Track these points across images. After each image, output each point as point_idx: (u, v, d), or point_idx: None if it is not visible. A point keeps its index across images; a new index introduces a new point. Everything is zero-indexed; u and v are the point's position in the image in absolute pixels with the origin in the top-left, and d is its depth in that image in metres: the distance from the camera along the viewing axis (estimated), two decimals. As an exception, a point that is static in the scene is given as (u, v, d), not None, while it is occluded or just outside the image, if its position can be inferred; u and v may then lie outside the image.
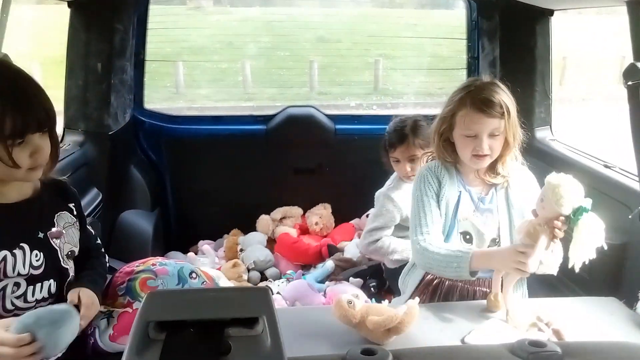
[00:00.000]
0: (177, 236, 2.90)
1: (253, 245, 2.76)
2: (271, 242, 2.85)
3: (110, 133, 2.44)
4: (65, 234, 1.34)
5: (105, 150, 2.40)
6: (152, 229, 2.57)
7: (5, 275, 1.21)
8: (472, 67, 2.84)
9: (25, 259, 1.23)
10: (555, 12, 2.42)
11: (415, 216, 1.65)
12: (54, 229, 1.31)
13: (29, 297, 1.25)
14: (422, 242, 1.58)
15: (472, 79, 1.69)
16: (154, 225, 2.61)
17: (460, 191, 1.64)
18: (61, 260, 1.30)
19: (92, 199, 2.28)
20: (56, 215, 1.33)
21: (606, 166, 2.03)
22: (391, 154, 2.23)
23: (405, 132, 2.18)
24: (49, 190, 1.35)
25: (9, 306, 1.22)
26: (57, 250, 1.29)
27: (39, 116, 1.19)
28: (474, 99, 1.54)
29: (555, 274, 1.48)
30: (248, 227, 2.91)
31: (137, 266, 1.53)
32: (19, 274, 1.22)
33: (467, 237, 1.65)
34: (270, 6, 8.80)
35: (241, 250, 2.77)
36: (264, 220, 2.92)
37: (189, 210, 2.97)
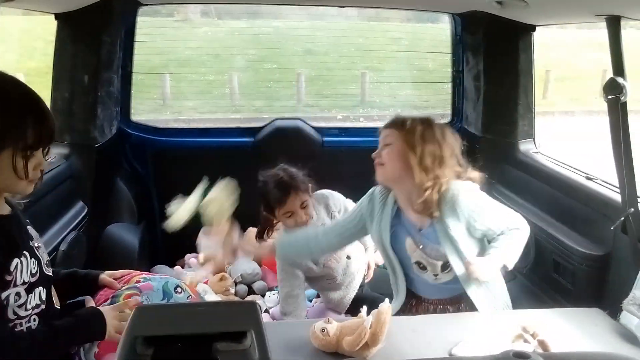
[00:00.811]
0: (164, 249, 2.88)
1: (240, 259, 2.74)
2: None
3: (96, 145, 2.42)
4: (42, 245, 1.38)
5: (91, 163, 2.38)
6: (138, 243, 2.54)
7: (15, 284, 1.21)
8: (457, 81, 2.88)
9: (28, 267, 1.25)
10: (537, 28, 2.47)
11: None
12: (35, 240, 1.34)
13: (28, 305, 1.26)
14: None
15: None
16: (140, 238, 2.58)
17: (396, 225, 1.71)
18: (44, 268, 1.32)
19: (77, 212, 2.26)
20: (29, 228, 1.36)
21: (588, 178, 2.07)
22: (282, 210, 2.14)
23: (286, 181, 2.16)
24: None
25: (10, 316, 1.22)
26: (41, 258, 1.31)
27: (51, 131, 1.23)
28: None
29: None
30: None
31: (122, 286, 1.52)
32: (23, 282, 1.23)
33: (420, 266, 1.72)
34: (258, 19, 8.84)
35: (228, 263, 2.75)
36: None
37: (175, 223, 2.94)
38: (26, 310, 1.25)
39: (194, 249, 2.87)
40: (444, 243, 1.63)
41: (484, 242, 1.70)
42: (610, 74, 1.71)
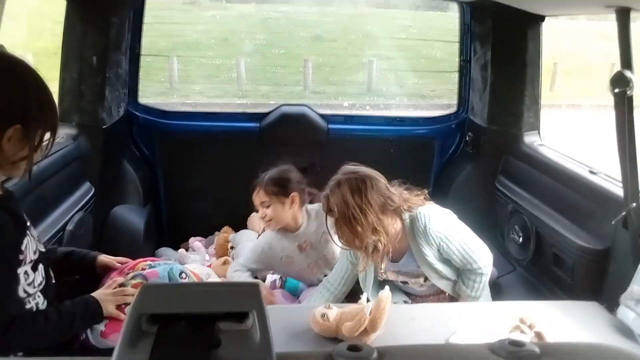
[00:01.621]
0: (169, 232, 2.91)
1: (243, 243, 2.77)
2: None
3: (104, 127, 2.44)
4: None
5: (98, 144, 2.40)
6: (144, 225, 2.57)
7: (25, 263, 1.24)
8: (464, 70, 2.87)
9: (32, 245, 1.28)
10: (546, 18, 2.45)
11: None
12: (28, 221, 1.35)
13: (35, 283, 1.29)
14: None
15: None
16: (145, 220, 2.61)
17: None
18: (38, 245, 1.35)
19: (84, 192, 2.28)
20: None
21: (591, 172, 2.07)
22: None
23: (264, 176, 2.32)
24: None
25: (21, 294, 1.24)
26: (34, 236, 1.34)
27: (56, 118, 1.25)
28: None
29: None
30: (239, 224, 2.92)
31: (127, 272, 1.55)
32: (30, 261, 1.26)
33: (405, 283, 1.91)
34: (267, 3, 8.78)
35: (232, 247, 2.78)
36: (254, 218, 2.93)
37: (180, 207, 2.97)
38: (34, 287, 1.28)
39: (197, 233, 2.91)
40: (423, 267, 1.78)
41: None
42: (618, 67, 1.71)
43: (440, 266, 1.78)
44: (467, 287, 1.80)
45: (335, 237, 1.82)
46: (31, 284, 1.27)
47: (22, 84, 1.17)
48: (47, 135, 1.24)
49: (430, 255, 1.76)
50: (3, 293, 1.18)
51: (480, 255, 1.78)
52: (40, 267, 1.32)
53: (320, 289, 1.97)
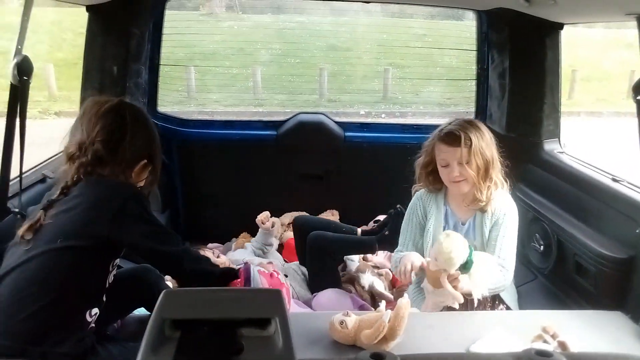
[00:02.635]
0: (187, 238, 2.92)
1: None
2: (279, 248, 2.86)
3: (123, 135, 2.47)
4: None
5: (118, 152, 2.43)
6: (162, 231, 2.59)
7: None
8: (482, 78, 2.86)
9: None
10: (565, 26, 2.43)
11: (400, 234, 2.01)
12: None
13: (115, 271, 1.49)
14: (395, 253, 1.97)
15: (451, 119, 1.93)
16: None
17: (445, 223, 1.92)
18: None
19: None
20: None
21: (614, 180, 2.03)
22: None
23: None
24: None
25: (110, 281, 1.46)
26: None
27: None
28: (442, 133, 1.85)
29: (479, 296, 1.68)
30: (256, 231, 2.93)
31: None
32: None
33: None
34: (282, 14, 8.86)
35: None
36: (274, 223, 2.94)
37: (198, 213, 2.99)
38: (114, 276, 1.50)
39: (215, 239, 2.92)
40: (477, 236, 1.87)
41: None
42: (638, 74, 1.68)
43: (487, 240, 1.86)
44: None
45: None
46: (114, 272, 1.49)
47: (148, 129, 1.53)
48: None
49: (486, 228, 1.85)
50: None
51: (512, 260, 1.85)
52: None
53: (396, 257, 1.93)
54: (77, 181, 1.42)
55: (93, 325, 1.41)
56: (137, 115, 1.52)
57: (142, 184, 1.54)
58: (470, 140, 1.79)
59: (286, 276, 2.31)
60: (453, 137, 1.81)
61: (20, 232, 1.38)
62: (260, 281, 1.66)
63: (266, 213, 2.69)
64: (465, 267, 1.63)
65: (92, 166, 1.42)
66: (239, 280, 1.60)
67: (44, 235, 1.36)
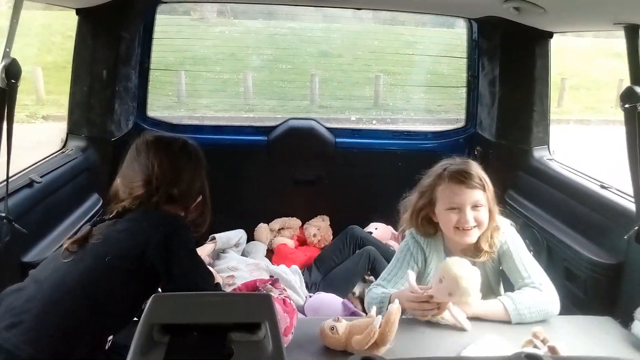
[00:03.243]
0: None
1: (252, 254, 2.76)
2: (269, 253, 2.85)
3: (112, 139, 2.45)
4: None
5: (107, 156, 2.42)
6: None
7: None
8: (472, 86, 2.88)
9: None
10: (554, 34, 2.46)
11: (386, 269, 1.75)
12: None
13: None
14: (373, 287, 1.71)
15: (446, 160, 1.72)
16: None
17: None
18: None
19: (92, 204, 2.29)
20: None
21: (603, 187, 2.05)
22: None
23: None
24: None
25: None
26: None
27: None
28: (452, 172, 1.61)
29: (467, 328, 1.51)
30: (247, 236, 2.92)
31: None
32: None
33: None
34: (273, 20, 8.87)
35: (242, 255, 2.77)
36: (262, 229, 2.93)
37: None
38: None
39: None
40: (483, 277, 1.57)
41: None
42: (626, 83, 1.71)
43: (493, 279, 1.68)
44: (513, 296, 1.57)
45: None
46: None
47: (204, 167, 1.59)
48: None
49: (493, 265, 1.67)
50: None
51: (542, 275, 1.62)
52: None
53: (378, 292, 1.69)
54: (135, 208, 1.44)
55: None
56: (199, 155, 1.58)
57: (194, 216, 1.57)
58: (482, 179, 1.59)
59: (271, 276, 2.32)
60: (467, 176, 1.58)
61: (66, 244, 1.39)
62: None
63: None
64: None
65: (159, 204, 1.45)
66: None
67: (91, 250, 1.37)
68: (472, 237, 1.60)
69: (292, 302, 1.51)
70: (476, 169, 1.62)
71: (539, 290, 1.56)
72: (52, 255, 1.44)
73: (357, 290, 2.45)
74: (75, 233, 2.05)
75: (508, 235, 1.66)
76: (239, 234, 2.80)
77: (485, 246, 1.62)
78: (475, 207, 1.57)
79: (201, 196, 1.57)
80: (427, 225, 1.67)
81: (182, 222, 1.45)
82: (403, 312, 1.49)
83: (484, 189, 1.58)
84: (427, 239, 1.70)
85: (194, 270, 1.42)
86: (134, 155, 1.52)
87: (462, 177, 1.58)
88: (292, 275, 2.46)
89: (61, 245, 1.43)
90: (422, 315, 1.51)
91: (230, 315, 0.74)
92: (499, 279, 1.72)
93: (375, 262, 2.50)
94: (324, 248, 2.90)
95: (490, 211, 1.59)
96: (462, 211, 1.57)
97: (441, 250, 1.69)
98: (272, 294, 1.53)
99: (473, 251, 1.64)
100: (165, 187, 1.46)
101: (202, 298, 0.78)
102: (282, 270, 2.48)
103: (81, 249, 1.38)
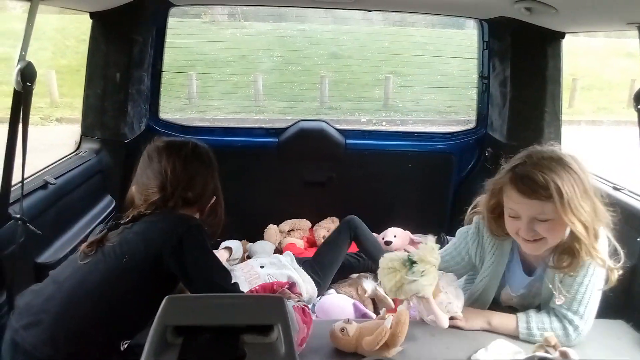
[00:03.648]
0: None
1: (259, 254, 2.77)
2: (277, 254, 2.85)
3: (125, 141, 2.48)
4: None
5: (120, 158, 2.44)
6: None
7: None
8: (483, 87, 2.87)
9: None
10: (566, 35, 2.44)
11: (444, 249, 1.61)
12: None
13: None
14: None
15: (526, 152, 1.44)
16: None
17: (507, 272, 1.53)
18: None
19: (105, 205, 2.31)
20: None
21: (615, 188, 2.03)
22: None
23: None
24: None
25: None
26: None
27: None
28: (516, 175, 1.36)
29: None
30: (256, 237, 2.93)
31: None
32: None
33: (510, 308, 1.60)
34: (284, 22, 8.90)
35: (248, 257, 2.78)
36: (271, 230, 2.94)
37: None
38: None
39: (215, 245, 2.90)
40: (546, 286, 1.47)
41: None
42: (639, 83, 1.69)
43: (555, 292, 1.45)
44: (536, 320, 1.45)
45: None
46: None
47: (216, 168, 1.60)
48: None
49: (560, 275, 1.43)
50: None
51: (588, 317, 1.45)
52: None
53: None
54: (151, 212, 1.46)
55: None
56: (210, 156, 1.60)
57: (209, 218, 1.60)
58: (560, 190, 1.29)
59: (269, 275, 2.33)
60: (530, 184, 1.31)
61: (82, 246, 1.42)
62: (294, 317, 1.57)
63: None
64: (411, 269, 1.39)
65: (175, 208, 1.47)
66: None
67: (108, 252, 1.38)
68: (537, 249, 1.40)
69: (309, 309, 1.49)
70: (550, 174, 1.31)
71: (567, 324, 1.45)
72: (71, 257, 1.46)
73: (368, 288, 2.43)
74: (89, 234, 2.08)
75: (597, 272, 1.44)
76: (240, 248, 2.80)
77: (565, 262, 1.40)
78: (538, 220, 1.34)
79: (215, 197, 1.59)
80: (499, 228, 1.46)
81: (195, 222, 1.45)
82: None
83: (555, 199, 1.29)
84: (494, 239, 1.51)
85: (211, 268, 1.43)
86: (147, 161, 1.53)
87: (523, 185, 1.33)
88: (287, 264, 2.44)
89: (77, 248, 1.44)
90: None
91: (242, 317, 0.75)
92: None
93: (357, 230, 2.53)
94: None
95: (583, 224, 1.32)
96: (520, 220, 1.36)
97: (507, 252, 1.50)
98: (291, 301, 1.52)
99: (558, 261, 1.42)
100: (180, 191, 1.47)
101: (215, 300, 0.78)
102: (275, 260, 2.46)
103: (98, 251, 1.39)
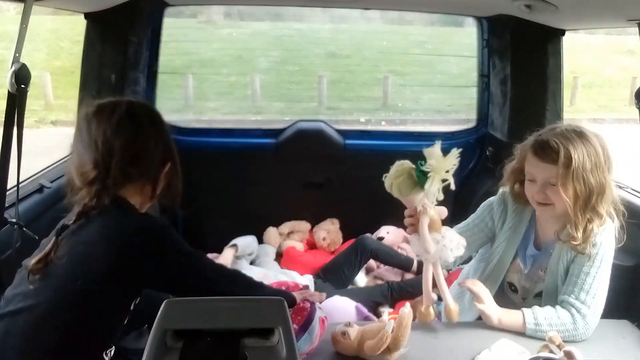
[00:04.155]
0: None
1: (261, 258, 2.76)
2: (278, 257, 2.84)
3: (122, 143, 2.45)
4: None
5: (116, 160, 2.42)
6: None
7: None
8: (483, 85, 2.85)
9: None
10: (566, 32, 2.43)
11: (464, 222, 1.70)
12: None
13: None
14: None
15: (554, 125, 1.56)
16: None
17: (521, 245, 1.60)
18: None
19: (102, 207, 2.29)
20: None
21: (618, 186, 2.02)
22: None
23: None
24: None
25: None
26: None
27: None
28: (536, 140, 1.48)
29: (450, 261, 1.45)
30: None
31: None
32: None
33: (512, 287, 1.66)
34: (280, 21, 8.90)
35: (251, 262, 2.76)
36: (271, 232, 2.92)
37: (197, 222, 2.97)
38: None
39: (214, 248, 2.89)
40: (552, 265, 1.53)
41: None
42: (640, 81, 1.68)
43: (559, 281, 1.53)
44: (542, 311, 1.47)
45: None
46: None
47: (163, 125, 1.37)
48: None
49: (568, 258, 1.51)
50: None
51: (596, 308, 1.47)
52: None
53: None
54: (97, 205, 1.23)
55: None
56: (153, 116, 1.35)
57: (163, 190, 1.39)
58: (571, 157, 1.40)
59: None
60: (548, 149, 1.43)
61: (29, 264, 1.20)
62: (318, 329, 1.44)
63: None
64: (421, 183, 1.39)
65: (116, 185, 1.25)
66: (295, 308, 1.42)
67: (59, 271, 1.18)
68: (546, 213, 1.51)
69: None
70: (572, 141, 1.41)
71: (575, 312, 1.46)
72: (22, 276, 1.24)
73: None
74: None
75: (605, 246, 1.49)
76: (254, 243, 2.78)
77: (574, 232, 1.44)
78: (551, 184, 1.44)
79: (169, 163, 1.36)
80: (520, 192, 1.56)
81: (158, 225, 1.26)
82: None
83: (565, 166, 1.39)
84: (516, 204, 1.60)
85: (200, 270, 1.29)
86: (77, 133, 1.29)
87: (540, 149, 1.45)
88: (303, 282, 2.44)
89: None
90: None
91: (243, 320, 0.74)
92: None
93: (376, 250, 2.60)
94: (333, 252, 2.88)
95: (577, 195, 1.41)
96: (536, 184, 1.47)
97: (526, 220, 1.59)
98: (319, 311, 1.44)
99: (563, 232, 1.50)
100: (118, 165, 1.23)
101: (215, 303, 0.77)
102: (292, 277, 2.47)
103: (47, 270, 1.18)
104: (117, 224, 1.23)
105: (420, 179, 1.38)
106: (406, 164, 1.44)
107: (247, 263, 2.69)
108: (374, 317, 2.17)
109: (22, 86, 1.55)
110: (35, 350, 1.16)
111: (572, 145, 1.41)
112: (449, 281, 1.76)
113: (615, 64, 10.62)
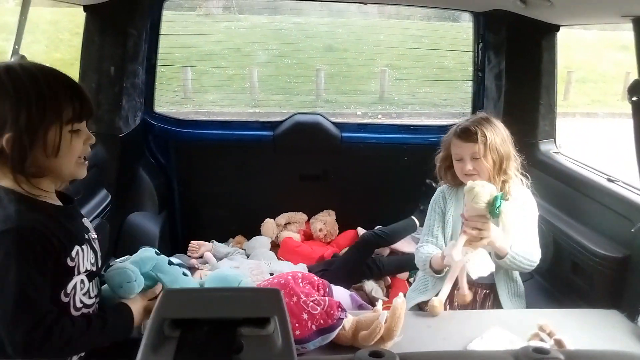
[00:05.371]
0: (183, 239, 2.93)
1: (257, 250, 2.78)
2: (275, 248, 2.87)
3: (120, 135, 2.47)
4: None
5: (115, 152, 2.43)
6: (159, 231, 2.60)
7: (78, 271, 1.23)
8: (478, 80, 2.87)
9: (87, 256, 1.26)
10: (561, 27, 2.45)
11: (424, 227, 2.05)
12: (92, 232, 1.35)
13: (91, 293, 1.27)
14: (419, 247, 1.98)
15: (466, 117, 2.01)
16: (160, 227, 2.64)
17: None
18: (100, 260, 1.35)
19: (101, 199, 2.31)
20: (84, 220, 1.38)
21: (609, 180, 2.05)
22: None
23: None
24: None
25: (78, 304, 1.24)
26: (97, 251, 1.34)
27: (89, 104, 1.24)
28: (458, 128, 1.91)
29: (473, 277, 1.71)
30: (253, 231, 2.94)
31: None
32: (85, 270, 1.25)
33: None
34: (279, 15, 8.85)
35: (247, 256, 2.79)
36: (268, 224, 2.95)
37: (195, 214, 2.99)
38: (90, 298, 1.26)
39: (212, 239, 2.91)
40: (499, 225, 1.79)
41: None
42: (634, 76, 1.70)
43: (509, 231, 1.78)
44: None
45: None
46: (87, 294, 1.25)
47: (10, 93, 1.12)
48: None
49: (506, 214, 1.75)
50: (34, 294, 1.12)
51: (536, 247, 1.85)
52: (96, 280, 1.32)
53: (427, 249, 1.92)
54: None
55: None
56: (15, 80, 1.13)
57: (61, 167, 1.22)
58: (486, 136, 1.84)
59: (272, 274, 2.34)
60: (468, 132, 1.86)
61: None
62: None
63: (194, 243, 2.74)
64: (493, 211, 1.65)
65: None
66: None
67: None
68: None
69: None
70: (483, 125, 1.86)
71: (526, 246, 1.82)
72: None
73: (368, 289, 2.50)
74: None
75: (529, 203, 1.90)
76: (230, 250, 2.81)
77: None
78: (473, 158, 1.84)
79: (11, 132, 1.11)
80: (452, 175, 1.95)
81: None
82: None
83: (483, 142, 1.83)
84: (451, 188, 1.98)
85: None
86: None
87: (462, 133, 1.87)
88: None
89: None
90: (476, 237, 1.70)
91: (240, 309, 0.75)
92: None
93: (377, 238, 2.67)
94: (329, 243, 2.91)
95: (494, 162, 1.83)
96: (464, 160, 1.86)
97: (461, 195, 1.89)
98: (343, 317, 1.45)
99: None
100: None
101: (212, 293, 0.79)
102: (286, 268, 2.49)
103: None
104: None
105: (493, 214, 1.67)
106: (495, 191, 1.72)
107: (231, 262, 2.68)
108: (369, 306, 2.20)
109: (22, 79, 1.55)
110: None
111: (485, 128, 1.85)
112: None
113: (609, 59, 10.62)
